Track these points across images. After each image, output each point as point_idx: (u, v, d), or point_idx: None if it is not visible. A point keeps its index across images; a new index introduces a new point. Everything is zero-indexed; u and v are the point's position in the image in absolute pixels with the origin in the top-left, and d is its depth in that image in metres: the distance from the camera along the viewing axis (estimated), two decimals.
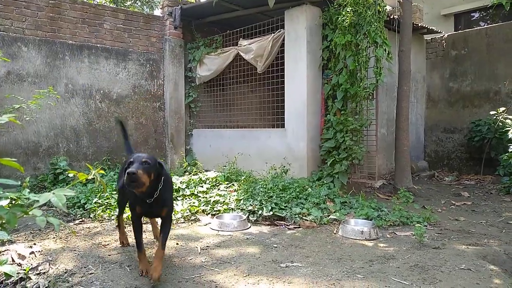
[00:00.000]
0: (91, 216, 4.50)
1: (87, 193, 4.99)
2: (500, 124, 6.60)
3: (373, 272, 2.87)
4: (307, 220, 4.27)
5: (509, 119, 6.22)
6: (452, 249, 3.32)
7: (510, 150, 5.93)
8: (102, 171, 1.77)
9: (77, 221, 4.36)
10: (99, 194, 4.91)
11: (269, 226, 4.25)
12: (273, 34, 6.30)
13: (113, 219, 4.35)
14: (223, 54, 7.23)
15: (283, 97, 6.24)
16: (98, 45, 6.76)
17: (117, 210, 3.55)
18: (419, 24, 7.72)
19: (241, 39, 6.94)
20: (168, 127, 7.56)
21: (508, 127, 6.11)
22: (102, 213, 4.48)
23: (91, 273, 2.82)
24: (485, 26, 7.79)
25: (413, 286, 2.59)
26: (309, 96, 5.86)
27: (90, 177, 1.70)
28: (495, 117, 6.74)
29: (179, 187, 5.14)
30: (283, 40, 6.19)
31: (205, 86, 8.01)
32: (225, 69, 7.40)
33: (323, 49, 5.95)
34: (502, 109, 6.58)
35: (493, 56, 7.55)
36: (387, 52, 5.52)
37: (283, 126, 6.23)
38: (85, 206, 4.72)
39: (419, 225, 3.96)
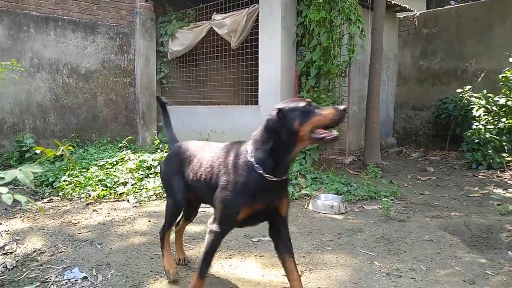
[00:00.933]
0: (60, 194, 4.41)
1: (55, 171, 4.88)
2: (466, 102, 6.83)
3: (341, 244, 2.97)
4: None
5: (474, 97, 6.44)
6: (416, 222, 3.47)
7: (474, 127, 6.17)
8: (71, 147, 1.73)
9: (45, 200, 4.27)
10: (68, 172, 4.80)
11: None
12: (247, 9, 6.20)
13: (83, 197, 4.28)
14: (196, 29, 7.08)
15: (257, 73, 6.21)
16: (65, 17, 6.47)
17: (165, 222, 2.43)
18: (392, 2, 7.77)
19: (214, 13, 6.80)
20: (139, 104, 7.41)
21: (473, 104, 6.33)
22: (71, 191, 4.40)
23: (60, 252, 2.79)
24: (455, 6, 7.93)
25: (378, 257, 2.71)
26: (283, 73, 5.85)
27: (58, 153, 1.66)
28: (461, 95, 6.97)
29: (150, 164, 5.09)
30: (258, 15, 6.11)
31: (178, 61, 7.85)
32: (198, 44, 7.27)
33: (297, 25, 5.92)
34: (468, 87, 6.81)
35: (461, 35, 7.72)
36: (360, 30, 5.55)
37: (256, 103, 6.22)
38: (54, 184, 4.61)
39: (386, 199, 4.10)
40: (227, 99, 7.43)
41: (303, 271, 2.49)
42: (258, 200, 1.88)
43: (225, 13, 6.59)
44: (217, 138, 6.40)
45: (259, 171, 1.82)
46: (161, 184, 4.56)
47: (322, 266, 2.57)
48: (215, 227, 1.94)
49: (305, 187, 4.59)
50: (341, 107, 1.78)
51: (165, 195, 4.41)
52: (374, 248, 2.87)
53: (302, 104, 1.80)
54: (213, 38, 7.06)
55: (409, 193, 4.72)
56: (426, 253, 2.73)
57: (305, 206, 4.09)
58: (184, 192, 2.29)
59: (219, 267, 2.57)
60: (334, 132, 1.78)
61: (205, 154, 2.18)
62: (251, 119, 6.24)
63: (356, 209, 4.02)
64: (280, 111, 1.80)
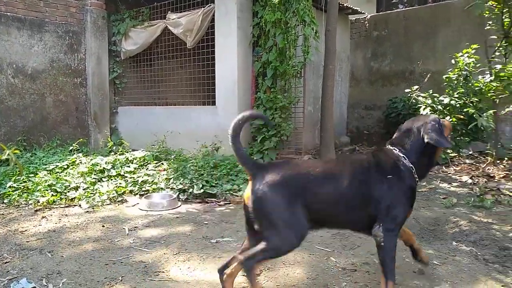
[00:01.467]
0: (5, 201, 4.15)
1: (0, 177, 4.59)
2: (414, 101, 7.16)
3: None
4: (238, 196, 4.34)
5: (421, 96, 6.77)
6: None
7: None
8: (17, 151, 1.64)
9: None
10: (14, 178, 4.54)
11: (200, 204, 4.26)
12: (203, 8, 6.15)
13: (31, 203, 4.06)
14: (150, 28, 6.93)
15: (214, 73, 6.17)
16: (9, 13, 6.10)
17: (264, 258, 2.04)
18: (345, 4, 8.00)
19: (169, 12, 6.69)
20: (90, 105, 7.14)
21: (420, 104, 6.65)
22: (18, 198, 4.16)
23: (6, 262, 2.63)
24: (403, 9, 8.31)
25: (334, 253, 2.78)
26: (240, 73, 5.86)
27: (3, 157, 1.56)
28: (409, 95, 7.30)
29: (104, 167, 4.93)
30: (214, 15, 6.07)
31: (131, 61, 7.65)
32: (153, 43, 7.11)
33: (253, 26, 5.95)
34: (415, 87, 7.14)
35: (409, 38, 8.10)
36: (314, 31, 5.67)
37: (214, 103, 6.19)
38: None
39: None
40: (184, 99, 7.33)
41: (262, 270, 2.51)
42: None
43: (180, 12, 6.50)
44: (174, 139, 6.31)
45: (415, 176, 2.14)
46: (116, 188, 4.43)
47: (280, 264, 2.60)
48: (391, 232, 2.06)
49: None
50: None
51: (119, 199, 4.31)
52: (330, 244, 2.95)
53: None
54: (168, 38, 6.93)
55: None
56: None
57: None
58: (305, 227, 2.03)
59: (177, 270, 2.53)
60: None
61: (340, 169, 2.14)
62: (208, 120, 6.20)
63: None
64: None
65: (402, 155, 2.15)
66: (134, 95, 7.65)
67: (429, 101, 6.51)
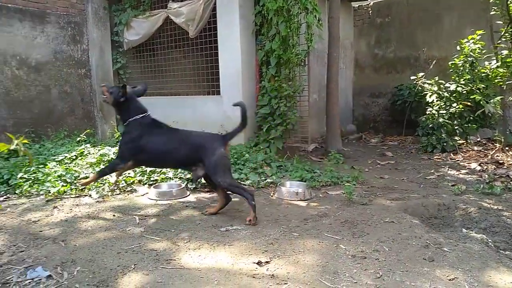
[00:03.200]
0: (16, 192, 4.20)
1: (10, 168, 4.62)
2: (419, 88, 7.14)
3: (308, 229, 3.05)
4: (245, 185, 4.37)
5: (427, 83, 6.75)
6: (378, 205, 3.62)
7: (427, 112, 6.48)
8: (26, 141, 1.65)
9: (1, 198, 4.05)
10: (24, 168, 4.57)
11: (209, 193, 4.29)
12: None
13: (42, 194, 4.10)
14: (152, 17, 6.89)
15: (217, 62, 6.15)
16: (9, 5, 6.08)
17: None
18: None
19: (170, 1, 6.65)
20: (96, 96, 7.15)
21: (426, 91, 6.63)
22: (29, 188, 4.20)
23: (21, 251, 2.67)
24: None
25: (344, 240, 2.81)
26: (243, 62, 5.84)
27: (12, 147, 1.57)
28: (415, 82, 7.27)
29: (112, 158, 4.95)
30: (215, 3, 6.03)
31: (134, 51, 7.63)
32: (155, 33, 7.08)
33: (255, 14, 5.91)
34: (421, 74, 7.11)
35: (413, 24, 8.03)
36: (317, 19, 5.62)
37: (219, 93, 6.18)
38: (9, 181, 4.37)
39: (349, 184, 4.25)
40: (188, 89, 7.32)
41: (272, 257, 2.54)
42: None
43: (182, 1, 6.46)
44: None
45: None
46: (125, 178, 4.47)
47: (290, 252, 2.63)
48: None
49: (270, 176, 4.64)
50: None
51: (129, 189, 4.35)
52: (339, 232, 2.97)
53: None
54: (171, 27, 6.90)
55: (370, 178, 4.90)
56: (388, 234, 2.86)
57: (271, 195, 4.15)
58: None
59: (188, 258, 2.56)
60: None
61: None
62: (213, 109, 6.20)
63: (320, 195, 4.13)
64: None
65: None
66: (138, 85, 7.63)
67: (435, 88, 6.50)
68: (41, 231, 3.08)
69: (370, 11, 8.59)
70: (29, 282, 2.24)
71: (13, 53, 6.16)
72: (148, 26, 6.96)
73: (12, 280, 2.27)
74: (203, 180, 4.40)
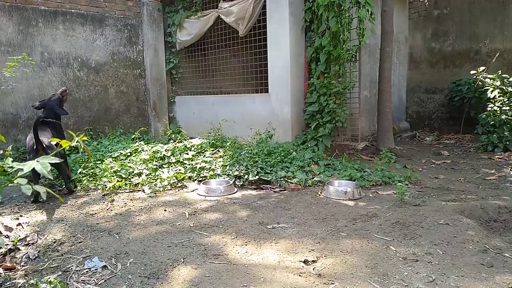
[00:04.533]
0: (77, 186, 4.48)
1: (71, 164, 4.95)
2: (480, 83, 6.71)
3: (356, 230, 2.97)
4: (292, 183, 4.35)
5: (489, 78, 6.32)
6: (431, 206, 3.45)
7: (488, 108, 6.07)
8: (85, 138, 1.75)
9: (62, 192, 4.35)
10: (83, 164, 4.87)
11: (255, 190, 4.32)
12: None
13: (99, 188, 4.35)
14: (203, 18, 7.04)
15: (266, 61, 6.17)
16: (73, 10, 6.49)
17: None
18: None
19: (221, 1, 6.75)
20: (150, 95, 7.45)
21: (487, 86, 6.22)
22: (87, 183, 4.47)
23: (80, 242, 2.85)
24: None
25: (394, 242, 2.70)
26: (292, 60, 5.81)
27: (73, 143, 1.68)
28: (475, 77, 6.84)
29: (164, 155, 5.14)
30: (265, 1, 6.04)
31: (186, 51, 7.84)
32: (206, 33, 7.24)
33: (305, 11, 5.85)
34: (482, 68, 6.67)
35: (474, 15, 7.54)
36: (369, 13, 5.45)
37: (267, 91, 6.20)
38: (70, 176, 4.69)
39: (401, 184, 4.08)
40: (237, 87, 7.42)
41: (319, 256, 2.50)
42: None
43: (232, 0, 6.54)
44: (228, 127, 6.43)
45: None
46: (176, 174, 4.62)
47: (337, 252, 2.58)
48: None
49: (318, 174, 4.58)
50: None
51: (179, 184, 4.49)
52: (390, 233, 2.87)
53: None
54: (221, 27, 7.02)
55: (424, 178, 4.68)
56: (443, 237, 2.72)
57: (319, 193, 4.10)
58: None
59: (236, 254, 2.60)
60: None
61: None
62: (262, 107, 6.23)
63: (370, 195, 4.01)
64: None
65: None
66: (189, 84, 7.86)
67: (498, 83, 6.08)
68: (97, 223, 3.26)
69: (427, 3, 8.18)
70: (87, 271, 2.39)
71: (75, 56, 6.57)
72: (199, 26, 7.13)
73: (71, 268, 2.43)
74: (250, 177, 4.44)
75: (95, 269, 2.40)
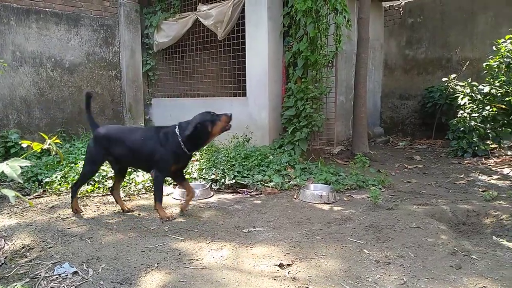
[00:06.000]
0: (47, 190, 4.36)
1: (42, 166, 4.81)
2: (451, 90, 6.92)
3: (331, 233, 3.01)
4: (269, 187, 4.36)
5: (459, 85, 6.53)
6: (404, 209, 3.52)
7: (459, 115, 6.27)
8: (58, 141, 1.71)
9: (32, 196, 4.22)
10: (57, 167, 4.74)
11: (232, 194, 4.31)
12: None
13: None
14: (182, 20, 7.00)
15: (244, 64, 6.17)
16: (47, 9, 6.33)
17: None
18: None
19: (200, 3, 6.73)
20: (125, 97, 7.33)
21: (458, 93, 6.42)
22: (59, 187, 4.36)
23: (50, 247, 2.77)
24: None
25: (367, 245, 2.75)
26: (270, 64, 5.84)
27: (45, 146, 1.64)
28: (446, 84, 7.06)
29: None
30: (244, 5, 6.06)
31: (164, 53, 7.77)
32: (184, 35, 7.19)
33: (284, 15, 5.89)
34: (453, 76, 6.89)
35: (446, 25, 7.79)
36: (346, 19, 5.54)
37: (245, 94, 6.20)
38: (41, 179, 4.55)
39: (374, 188, 4.16)
40: (215, 91, 7.39)
41: (294, 260, 2.52)
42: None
43: (211, 3, 6.53)
44: None
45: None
46: (150, 178, 4.55)
47: (312, 255, 2.60)
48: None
49: (294, 178, 4.62)
50: (229, 113, 3.67)
51: (153, 188, 4.41)
52: (363, 236, 2.91)
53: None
54: (200, 29, 6.99)
55: (397, 182, 4.79)
56: (414, 240, 2.78)
57: (295, 197, 4.12)
58: None
59: (211, 258, 2.58)
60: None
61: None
62: (239, 111, 6.22)
63: (345, 198, 4.07)
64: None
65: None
66: (166, 87, 7.78)
67: (468, 90, 6.29)
68: (69, 228, 3.18)
69: (402, 11, 8.40)
70: (56, 278, 2.32)
71: (48, 55, 6.40)
72: (177, 28, 7.07)
73: (40, 275, 2.36)
74: (227, 181, 4.44)
75: (65, 275, 2.34)
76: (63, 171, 4.60)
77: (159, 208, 3.41)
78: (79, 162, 4.94)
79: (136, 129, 3.82)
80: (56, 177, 4.50)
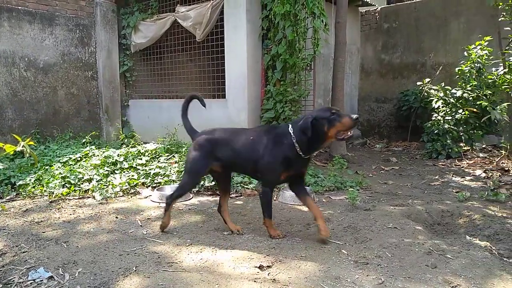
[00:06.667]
0: (21, 193, 4.23)
1: (15, 169, 4.67)
2: (425, 94, 7.10)
3: (310, 234, 3.04)
4: (248, 189, 4.37)
5: (433, 89, 6.71)
6: (381, 210, 3.59)
7: (433, 118, 6.44)
8: (32, 143, 1.67)
9: (5, 199, 4.09)
10: (29, 169, 4.61)
11: (211, 196, 4.29)
12: (212, 1, 6.14)
13: (46, 195, 4.13)
14: (160, 21, 6.94)
15: (223, 66, 6.17)
16: (20, 7, 6.16)
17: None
18: None
19: (178, 5, 6.69)
20: (102, 98, 7.20)
21: (432, 97, 6.60)
22: (33, 190, 4.23)
23: (24, 252, 2.69)
24: (414, 1, 8.20)
25: (346, 246, 2.79)
26: (249, 66, 5.86)
27: (18, 149, 1.59)
28: (421, 88, 7.24)
29: (116, 160, 4.98)
30: (223, 7, 6.06)
31: (141, 54, 7.68)
32: (162, 36, 7.13)
33: (262, 18, 5.93)
34: (427, 80, 7.08)
35: (420, 30, 8.00)
36: (324, 24, 5.63)
37: (224, 96, 6.20)
38: (14, 182, 4.42)
39: (352, 189, 4.23)
40: (194, 92, 7.34)
41: (273, 262, 2.53)
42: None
43: (189, 5, 6.50)
44: (184, 132, 6.32)
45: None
46: (128, 180, 4.49)
47: (292, 256, 2.62)
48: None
49: None
50: (354, 116, 2.68)
51: (132, 191, 4.37)
52: (342, 237, 2.96)
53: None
54: (178, 31, 6.94)
55: (374, 183, 4.87)
56: (391, 241, 2.84)
57: (274, 198, 4.14)
58: None
59: (190, 261, 2.56)
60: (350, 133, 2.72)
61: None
62: (218, 113, 6.21)
63: (323, 200, 4.12)
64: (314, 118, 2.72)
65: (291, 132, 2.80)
66: (144, 88, 7.69)
67: (441, 94, 6.47)
68: (44, 232, 3.09)
69: (377, 16, 8.58)
70: (31, 283, 2.26)
71: (21, 55, 6.23)
72: (155, 29, 7.01)
73: (13, 281, 2.29)
74: (206, 183, 4.42)
75: (40, 281, 2.27)
76: (37, 174, 4.48)
77: (269, 225, 3.00)
78: (54, 164, 4.83)
79: (243, 131, 3.30)
80: (30, 180, 4.38)
